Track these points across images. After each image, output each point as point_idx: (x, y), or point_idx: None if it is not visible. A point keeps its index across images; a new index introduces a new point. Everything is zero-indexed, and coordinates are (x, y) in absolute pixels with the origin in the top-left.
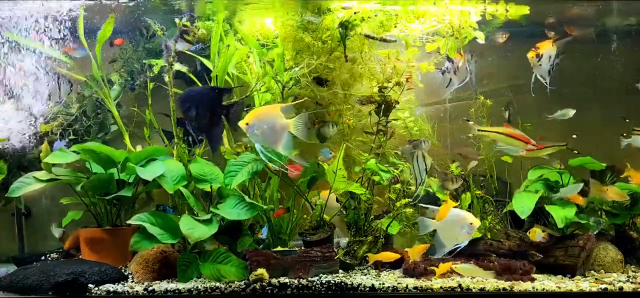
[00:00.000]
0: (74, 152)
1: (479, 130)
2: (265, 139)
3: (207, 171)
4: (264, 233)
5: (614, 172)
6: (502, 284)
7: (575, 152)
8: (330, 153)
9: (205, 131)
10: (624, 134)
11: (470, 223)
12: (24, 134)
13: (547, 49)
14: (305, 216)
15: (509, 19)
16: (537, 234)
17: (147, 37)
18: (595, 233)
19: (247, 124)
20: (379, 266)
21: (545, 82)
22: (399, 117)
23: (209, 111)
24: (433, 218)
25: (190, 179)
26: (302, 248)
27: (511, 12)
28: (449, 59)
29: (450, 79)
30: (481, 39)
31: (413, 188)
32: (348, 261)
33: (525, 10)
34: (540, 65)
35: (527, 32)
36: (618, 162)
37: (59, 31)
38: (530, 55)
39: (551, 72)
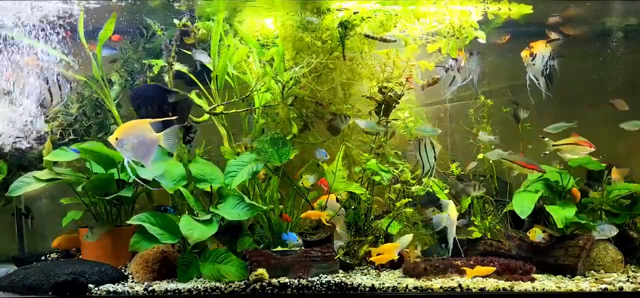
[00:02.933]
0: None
1: (553, 145)
2: (135, 153)
3: (207, 171)
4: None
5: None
6: (502, 284)
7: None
8: (326, 153)
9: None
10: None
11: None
12: (28, 134)
13: (541, 49)
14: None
15: (508, 19)
16: (537, 234)
17: (147, 37)
18: (603, 238)
19: (116, 138)
20: (379, 266)
21: (538, 82)
22: (399, 117)
23: (156, 107)
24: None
25: (190, 179)
26: (302, 248)
27: (514, 11)
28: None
29: (454, 77)
30: (482, 39)
31: (413, 189)
32: (348, 261)
33: (528, 9)
34: (533, 64)
35: (528, 32)
36: (618, 162)
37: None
38: (524, 54)
39: (544, 73)
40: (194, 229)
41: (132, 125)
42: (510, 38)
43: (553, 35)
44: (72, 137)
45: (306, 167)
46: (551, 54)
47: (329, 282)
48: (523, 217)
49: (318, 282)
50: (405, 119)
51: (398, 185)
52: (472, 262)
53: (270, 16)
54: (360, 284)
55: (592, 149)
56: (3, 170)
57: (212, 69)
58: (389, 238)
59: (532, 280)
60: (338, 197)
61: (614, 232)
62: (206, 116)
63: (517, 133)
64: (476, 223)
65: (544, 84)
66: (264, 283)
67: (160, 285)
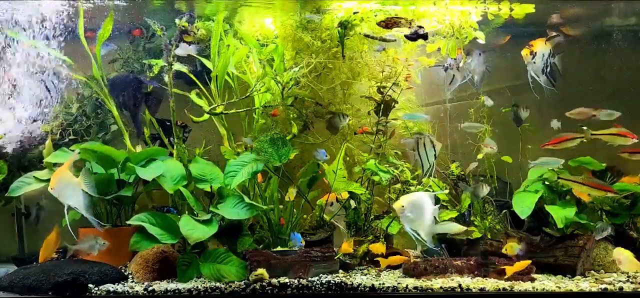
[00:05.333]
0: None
1: (592, 134)
2: (71, 201)
3: (207, 171)
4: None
5: (613, 173)
6: (502, 284)
7: None
8: (326, 154)
9: (130, 111)
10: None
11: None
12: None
13: (541, 47)
14: (305, 216)
15: (508, 19)
16: (514, 248)
17: (147, 37)
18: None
19: (51, 188)
20: (379, 266)
21: (539, 80)
22: (398, 116)
23: (131, 95)
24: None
25: (190, 179)
26: (302, 248)
27: (516, 11)
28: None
29: (453, 76)
30: (481, 39)
31: (413, 188)
32: (348, 261)
33: (530, 8)
34: (534, 62)
35: (528, 33)
36: (618, 162)
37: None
38: (524, 52)
39: (545, 71)
40: (194, 229)
41: (59, 173)
42: (510, 38)
43: (555, 36)
44: (72, 137)
45: (306, 167)
46: (551, 51)
47: (329, 282)
48: (523, 217)
49: (318, 282)
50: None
51: (398, 185)
52: (472, 262)
53: (269, 16)
54: (360, 284)
55: (635, 140)
56: (3, 170)
57: (212, 68)
58: (388, 238)
59: (532, 280)
60: (338, 196)
61: (607, 231)
62: (206, 116)
63: (516, 133)
64: (476, 223)
65: (546, 81)
66: (264, 283)
67: (160, 285)
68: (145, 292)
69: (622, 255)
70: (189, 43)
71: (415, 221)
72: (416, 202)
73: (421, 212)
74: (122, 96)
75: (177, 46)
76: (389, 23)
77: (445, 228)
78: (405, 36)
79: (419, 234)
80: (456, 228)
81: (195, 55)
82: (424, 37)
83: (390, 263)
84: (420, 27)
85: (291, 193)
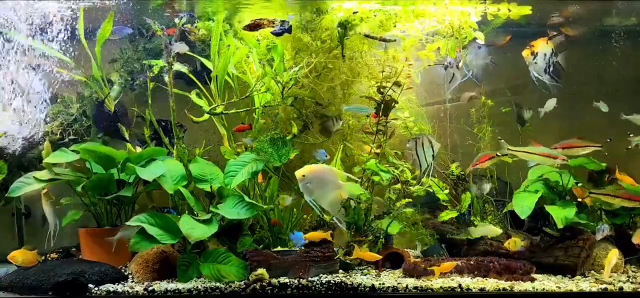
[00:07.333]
0: (73, 152)
1: (636, 143)
2: (51, 223)
3: (207, 171)
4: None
5: (611, 174)
6: (502, 284)
7: None
8: (326, 154)
9: (112, 134)
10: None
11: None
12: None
13: (542, 47)
14: (305, 216)
15: (508, 19)
16: (517, 244)
17: (147, 37)
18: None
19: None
20: (379, 266)
21: (543, 79)
22: (398, 116)
23: (106, 121)
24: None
25: (190, 179)
26: (302, 248)
27: (513, 12)
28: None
29: (453, 74)
30: (481, 40)
31: (413, 188)
32: (348, 261)
33: (526, 10)
34: (535, 63)
35: (528, 33)
36: (619, 162)
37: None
38: (525, 53)
39: (548, 71)
40: (194, 228)
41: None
42: (510, 38)
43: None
44: (72, 137)
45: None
46: (553, 50)
47: (329, 282)
48: (523, 217)
49: (318, 282)
50: (405, 118)
51: (398, 185)
52: (472, 262)
53: (269, 16)
54: (360, 284)
55: None
56: (3, 170)
57: (212, 68)
58: (389, 238)
59: (532, 280)
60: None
61: (606, 231)
62: (206, 116)
63: (516, 132)
64: (476, 223)
65: (549, 80)
66: (264, 283)
67: (160, 285)
68: (145, 292)
69: (605, 261)
70: (184, 41)
71: (316, 192)
72: (318, 174)
73: (322, 184)
74: (104, 125)
75: (172, 43)
76: (252, 26)
77: (484, 231)
78: (272, 32)
79: (321, 206)
80: (494, 231)
81: (192, 54)
82: (288, 30)
83: (443, 270)
84: (284, 21)
85: (283, 200)
